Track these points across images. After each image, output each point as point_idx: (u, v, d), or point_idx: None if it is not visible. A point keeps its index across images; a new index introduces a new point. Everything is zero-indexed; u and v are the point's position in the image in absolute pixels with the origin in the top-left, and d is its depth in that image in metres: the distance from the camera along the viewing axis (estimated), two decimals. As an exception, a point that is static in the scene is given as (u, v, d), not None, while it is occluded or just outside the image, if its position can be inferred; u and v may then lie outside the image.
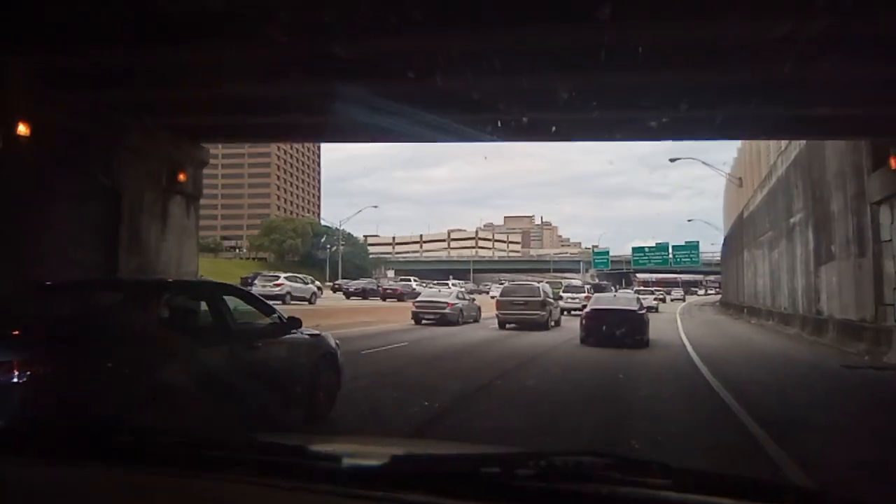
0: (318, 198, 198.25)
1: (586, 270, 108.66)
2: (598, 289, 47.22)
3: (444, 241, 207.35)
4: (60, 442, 2.08)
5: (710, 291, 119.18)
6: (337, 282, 71.61)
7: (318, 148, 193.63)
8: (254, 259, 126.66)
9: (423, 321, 30.07)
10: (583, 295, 41.68)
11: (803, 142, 26.00)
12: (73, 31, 10.87)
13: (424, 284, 62.05)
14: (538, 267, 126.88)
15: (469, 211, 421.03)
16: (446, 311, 30.41)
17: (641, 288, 78.22)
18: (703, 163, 73.52)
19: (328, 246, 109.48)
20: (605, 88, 13.22)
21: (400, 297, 54.08)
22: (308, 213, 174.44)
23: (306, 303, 40.78)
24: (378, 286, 61.56)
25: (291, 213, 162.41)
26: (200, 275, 56.36)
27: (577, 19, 10.05)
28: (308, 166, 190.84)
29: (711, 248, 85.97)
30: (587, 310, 22.97)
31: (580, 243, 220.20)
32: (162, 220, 16.99)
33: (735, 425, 9.06)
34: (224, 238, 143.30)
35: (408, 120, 14.23)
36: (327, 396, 8.78)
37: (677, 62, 11.46)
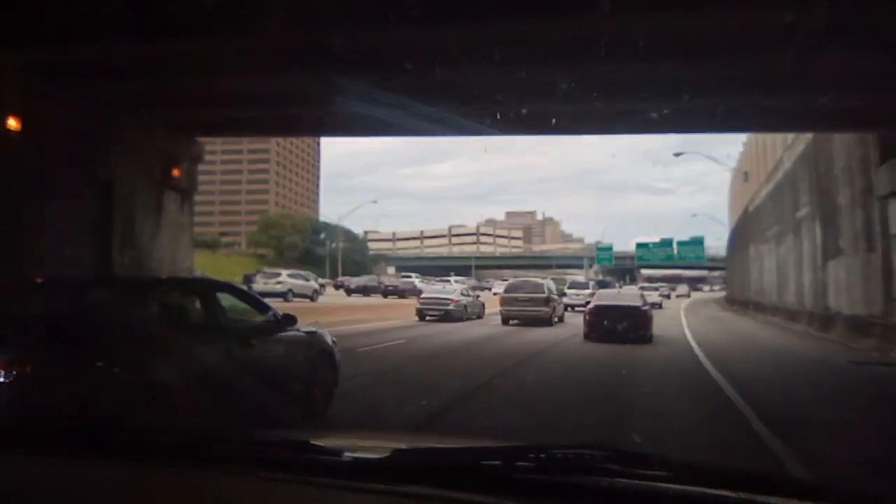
0: (317, 194, 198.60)
1: (590, 266, 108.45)
2: (602, 285, 47.13)
3: (445, 237, 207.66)
4: (59, 438, 2.07)
5: (714, 287, 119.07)
6: (339, 279, 71.62)
7: (317, 144, 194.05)
8: (252, 255, 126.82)
9: (428, 318, 30.19)
10: (587, 291, 41.63)
11: (810, 136, 25.86)
12: (66, 24, 10.76)
13: (426, 281, 62.39)
14: (540, 263, 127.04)
15: (471, 207, 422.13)
16: (450, 307, 30.56)
17: (646, 284, 78.17)
18: (708, 157, 73.43)
19: (328, 242, 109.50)
20: (606, 80, 13.10)
21: (401, 293, 54.21)
22: (307, 209, 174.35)
23: (308, 300, 40.73)
24: (379, 283, 61.72)
25: (290, 208, 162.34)
26: (199, 271, 56.80)
27: (576, 10, 9.93)
28: (307, 162, 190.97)
29: (716, 243, 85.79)
30: (591, 306, 22.98)
31: (583, 239, 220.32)
32: (156, 216, 16.84)
33: (739, 422, 8.93)
34: (222, 234, 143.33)
35: (406, 113, 14.16)
36: (324, 394, 8.67)
37: (677, 53, 11.35)
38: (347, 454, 1.94)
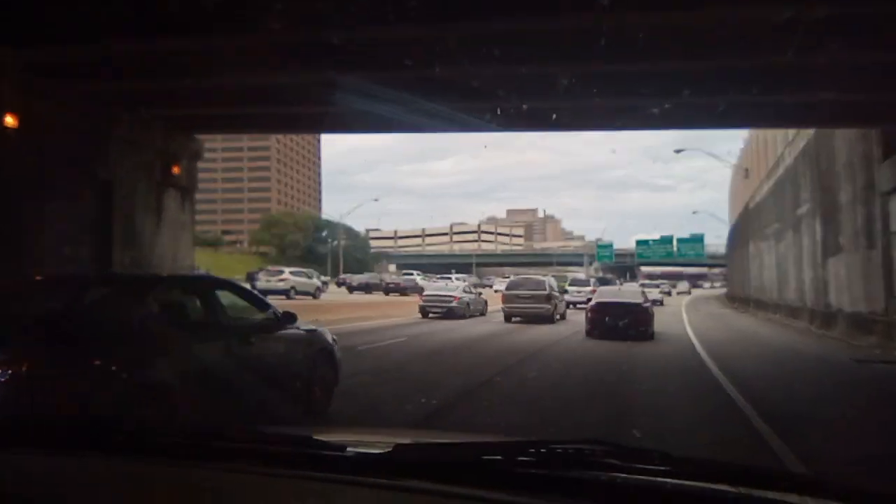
0: (319, 192, 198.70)
1: (590, 264, 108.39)
2: (603, 282, 47.28)
3: (446, 234, 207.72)
4: (59, 437, 2.07)
5: (715, 284, 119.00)
6: (341, 276, 71.77)
7: (318, 141, 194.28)
8: (255, 253, 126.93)
9: (430, 315, 30.36)
10: (589, 288, 41.69)
11: (811, 132, 25.77)
12: (65, 23, 10.73)
13: (427, 279, 62.60)
14: (541, 260, 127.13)
15: (472, 204, 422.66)
16: (453, 304, 30.73)
17: (646, 281, 78.17)
18: (708, 153, 73.43)
19: (329, 240, 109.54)
20: (605, 76, 13.06)
21: (403, 291, 54.62)
22: (308, 206, 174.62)
23: (310, 297, 40.97)
24: (381, 281, 61.83)
25: (292, 206, 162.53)
26: (207, 270, 57.15)
27: (575, 7, 9.89)
28: (308, 160, 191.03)
29: (716, 240, 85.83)
30: (592, 303, 23.13)
31: (584, 236, 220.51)
32: (156, 214, 16.78)
33: (740, 420, 8.91)
34: (224, 232, 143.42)
35: (406, 109, 14.14)
36: (324, 392, 8.65)
37: (677, 50, 11.34)
38: (350, 449, 1.93)
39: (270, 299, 9.68)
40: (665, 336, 22.25)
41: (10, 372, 5.11)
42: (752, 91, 13.26)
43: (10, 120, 12.08)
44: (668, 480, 1.65)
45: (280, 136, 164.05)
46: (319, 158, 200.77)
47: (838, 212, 22.40)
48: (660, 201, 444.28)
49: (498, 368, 13.88)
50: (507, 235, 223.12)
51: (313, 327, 9.34)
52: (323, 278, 55.59)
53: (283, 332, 8.22)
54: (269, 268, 49.90)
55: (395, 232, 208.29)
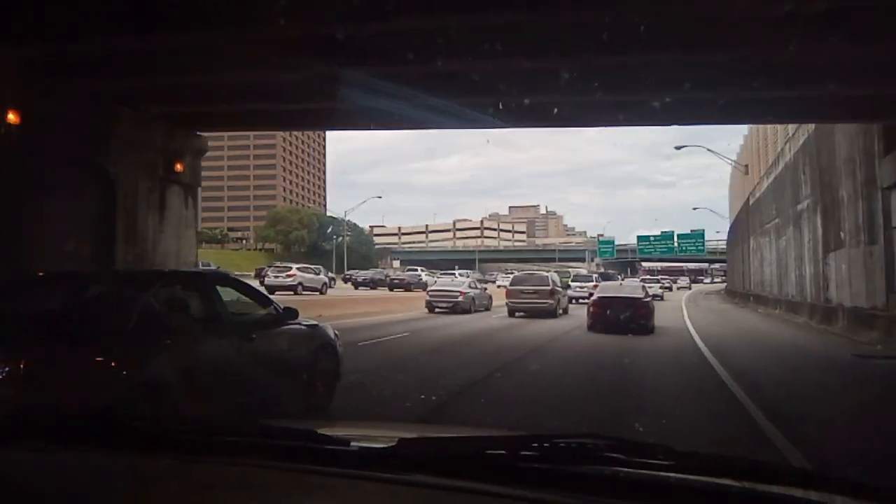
0: (324, 189, 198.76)
1: (592, 259, 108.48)
2: (605, 278, 47.46)
3: (449, 231, 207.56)
4: (64, 433, 2.07)
5: (715, 280, 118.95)
6: (347, 272, 72.04)
7: (323, 139, 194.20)
8: (260, 250, 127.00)
9: (437, 310, 30.73)
10: (591, 284, 42.09)
11: (812, 128, 25.73)
12: (66, 20, 10.66)
13: (432, 274, 62.95)
14: (543, 256, 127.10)
15: (475, 201, 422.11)
16: (459, 299, 31.15)
17: (648, 277, 78.15)
18: (709, 150, 73.37)
19: (334, 237, 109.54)
20: (608, 69, 13.00)
21: (407, 286, 54.97)
22: (314, 204, 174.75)
23: (317, 293, 41.41)
24: (386, 276, 62.05)
25: (297, 203, 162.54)
26: (217, 266, 57.14)
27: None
28: (313, 157, 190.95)
29: (717, 236, 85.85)
30: (594, 298, 23.43)
31: (585, 232, 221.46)
32: (159, 211, 16.76)
33: (743, 416, 8.89)
34: (230, 229, 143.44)
35: (410, 104, 14.10)
36: (326, 388, 8.63)
37: (678, 43, 11.27)
38: (354, 444, 1.94)
39: (279, 295, 9.70)
40: (666, 331, 22.32)
41: (7, 369, 5.11)
42: (753, 85, 13.22)
43: (10, 117, 12.07)
44: (672, 475, 1.66)
45: (286, 135, 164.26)
46: (325, 156, 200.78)
47: (839, 207, 22.36)
48: (661, 198, 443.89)
49: (502, 362, 13.95)
50: (509, 232, 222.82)
51: (315, 322, 9.33)
52: (330, 275, 56.21)
53: (284, 327, 8.18)
54: (277, 264, 50.64)
55: (399, 228, 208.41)
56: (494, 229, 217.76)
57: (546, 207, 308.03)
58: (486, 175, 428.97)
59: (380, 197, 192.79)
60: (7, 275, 10.76)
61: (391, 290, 54.07)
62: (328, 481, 1.74)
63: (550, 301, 29.27)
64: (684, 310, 35.92)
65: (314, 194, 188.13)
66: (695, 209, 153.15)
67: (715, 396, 10.46)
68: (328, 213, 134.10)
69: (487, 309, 33.25)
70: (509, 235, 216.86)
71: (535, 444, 1.82)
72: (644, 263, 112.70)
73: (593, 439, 1.81)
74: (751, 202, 44.43)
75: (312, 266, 50.33)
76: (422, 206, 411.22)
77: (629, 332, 20.10)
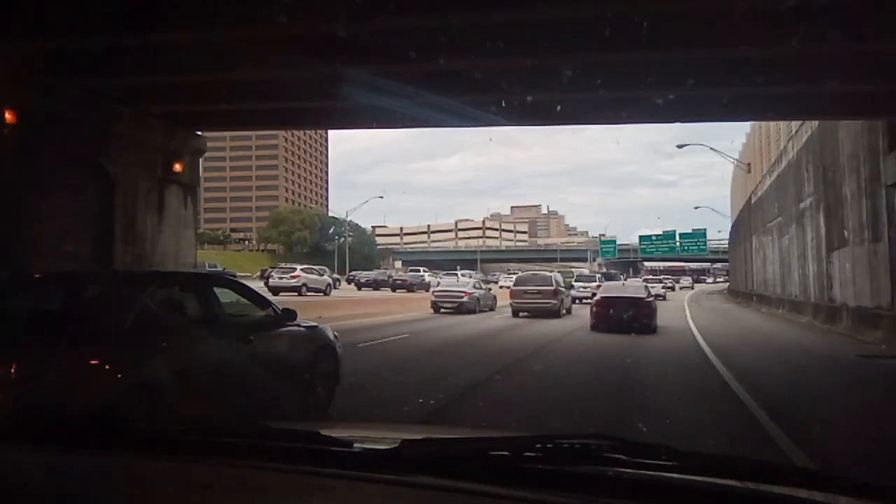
0: (326, 189, 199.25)
1: (593, 259, 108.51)
2: (608, 278, 47.74)
3: (451, 231, 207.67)
4: (66, 432, 2.07)
5: (718, 279, 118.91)
6: (351, 273, 72.44)
7: (326, 139, 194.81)
8: (262, 251, 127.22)
9: (442, 310, 31.00)
10: (594, 284, 42.49)
11: (814, 125, 25.63)
12: (62, 15, 10.58)
13: (434, 275, 63.42)
14: (545, 256, 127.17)
15: (477, 201, 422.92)
16: (464, 300, 31.47)
17: (650, 276, 78.12)
18: (711, 148, 73.37)
19: (336, 237, 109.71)
20: (610, 66, 12.96)
21: (410, 287, 55.33)
22: (316, 204, 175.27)
23: (322, 294, 41.76)
24: (388, 277, 62.27)
25: (300, 204, 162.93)
26: (223, 267, 57.59)
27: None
28: (315, 157, 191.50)
29: (719, 235, 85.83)
30: (597, 298, 23.64)
31: (587, 232, 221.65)
32: (158, 211, 16.67)
33: (747, 417, 8.81)
34: (233, 230, 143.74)
35: (412, 102, 14.09)
36: (326, 391, 8.57)
37: (681, 38, 11.19)
38: (357, 445, 1.94)
39: (282, 296, 9.64)
40: (669, 331, 22.35)
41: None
42: (757, 82, 13.16)
43: (8, 117, 12.00)
44: (676, 475, 1.67)
45: (288, 135, 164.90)
46: (327, 156, 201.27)
47: (842, 205, 22.23)
48: (662, 197, 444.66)
49: (505, 363, 13.97)
50: (511, 232, 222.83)
51: (314, 324, 9.30)
52: (335, 276, 57.14)
53: (283, 329, 8.12)
54: (282, 265, 51.09)
55: (401, 229, 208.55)
56: (496, 229, 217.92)
57: (548, 207, 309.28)
58: (488, 175, 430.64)
59: (381, 197, 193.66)
60: (5, 275, 10.70)
61: (393, 290, 54.34)
62: (329, 483, 1.74)
63: (554, 301, 29.49)
64: (687, 310, 35.94)
65: (316, 195, 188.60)
66: (696, 208, 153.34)
67: (718, 397, 10.41)
68: (330, 214, 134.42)
69: (492, 309, 33.47)
70: (511, 235, 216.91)
71: (538, 445, 1.82)
72: (646, 263, 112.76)
73: (596, 440, 1.82)
74: (753, 201, 44.31)
75: (317, 267, 50.90)
76: (423, 206, 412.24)
77: (632, 331, 20.25)
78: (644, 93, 14.26)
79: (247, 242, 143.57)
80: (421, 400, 9.37)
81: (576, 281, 48.13)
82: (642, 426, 7.96)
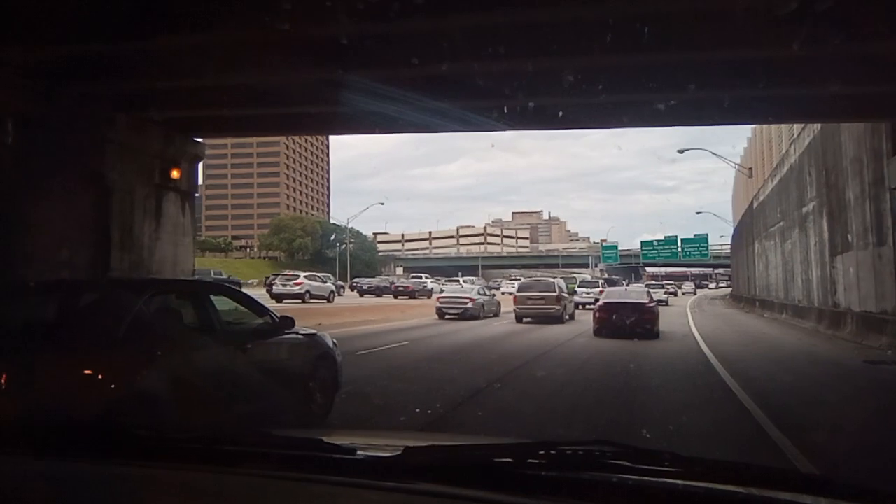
0: (328, 196, 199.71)
1: (595, 265, 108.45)
2: (610, 283, 47.98)
3: (452, 237, 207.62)
4: (65, 440, 2.08)
5: (720, 285, 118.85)
6: (354, 280, 72.73)
7: (327, 147, 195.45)
8: (264, 258, 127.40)
9: (447, 316, 31.25)
10: (597, 290, 42.76)
11: (817, 128, 25.51)
12: (55, 20, 10.47)
13: (437, 281, 63.80)
14: (547, 262, 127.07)
15: (478, 207, 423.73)
16: (469, 306, 31.71)
17: (652, 282, 78.05)
18: (712, 153, 73.38)
19: (338, 244, 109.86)
20: (612, 70, 12.87)
21: (412, 294, 55.83)
22: (318, 211, 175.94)
23: (325, 301, 42.11)
24: (391, 284, 62.52)
25: (301, 211, 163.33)
26: (228, 275, 58.08)
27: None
28: (317, 164, 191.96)
29: (720, 240, 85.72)
30: (600, 303, 23.96)
31: (589, 238, 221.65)
32: (155, 218, 16.54)
33: (752, 425, 8.69)
34: (234, 237, 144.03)
35: (413, 108, 13.98)
36: (324, 399, 8.52)
37: (682, 41, 11.08)
38: (360, 452, 1.94)
39: (286, 304, 9.56)
40: (671, 336, 22.43)
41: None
42: (759, 85, 13.08)
43: (3, 123, 11.90)
44: (679, 482, 1.66)
45: (289, 142, 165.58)
46: (328, 163, 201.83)
47: (846, 208, 22.06)
48: (664, 202, 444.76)
49: (508, 369, 14.02)
50: (512, 238, 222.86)
51: (313, 331, 9.28)
52: (339, 283, 58.37)
53: (280, 337, 8.06)
54: (286, 273, 51.39)
55: (403, 235, 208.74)
56: (498, 235, 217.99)
57: (549, 213, 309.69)
58: (489, 181, 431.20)
59: (382, 203, 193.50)
60: (1, 281, 10.63)
61: (395, 297, 54.65)
62: (333, 490, 1.75)
63: (557, 307, 29.69)
64: (689, 315, 35.99)
65: (317, 201, 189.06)
66: (698, 213, 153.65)
67: (722, 403, 10.34)
68: (332, 221, 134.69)
69: (496, 315, 33.73)
70: (513, 241, 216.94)
71: (542, 452, 1.82)
72: (648, 269, 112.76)
73: (600, 446, 1.82)
74: (755, 205, 44.24)
75: (320, 274, 51.62)
76: (425, 212, 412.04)
77: (635, 336, 20.41)
78: (646, 96, 14.17)
79: (248, 250, 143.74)
80: (418, 409, 9.23)
81: (579, 287, 48.44)
82: (646, 433, 7.92)
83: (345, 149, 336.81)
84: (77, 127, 13.79)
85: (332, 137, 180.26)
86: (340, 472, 1.79)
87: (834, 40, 10.58)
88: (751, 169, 48.58)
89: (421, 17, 10.16)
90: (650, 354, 16.96)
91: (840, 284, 23.13)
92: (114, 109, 14.98)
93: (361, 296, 57.57)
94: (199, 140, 18.79)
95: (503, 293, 50.85)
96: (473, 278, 76.00)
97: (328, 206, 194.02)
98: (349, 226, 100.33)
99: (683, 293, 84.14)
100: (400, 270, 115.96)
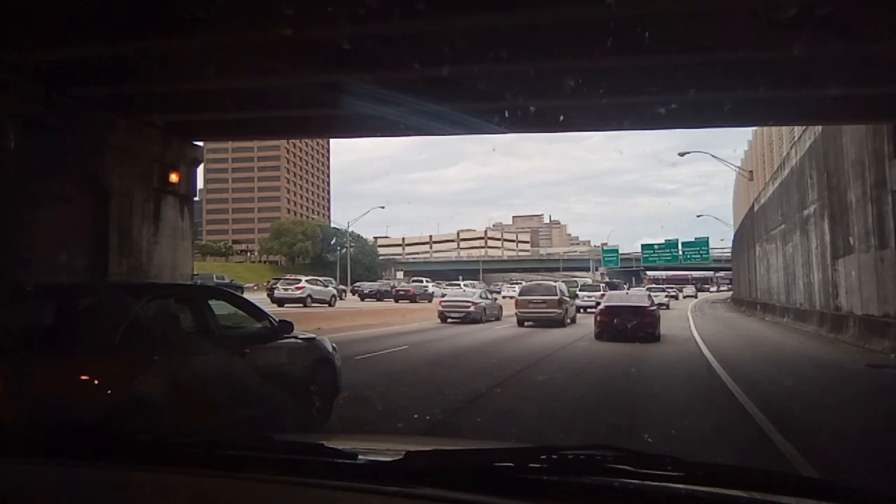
0: (328, 199, 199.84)
1: (596, 269, 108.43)
2: (612, 287, 48.26)
3: (453, 241, 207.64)
4: (68, 443, 2.07)
5: (721, 288, 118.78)
6: (355, 284, 72.92)
7: (327, 150, 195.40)
8: (264, 262, 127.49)
9: (449, 319, 31.44)
10: (598, 293, 43.02)
11: (818, 131, 25.46)
12: (50, 20, 10.41)
13: (438, 285, 64.08)
14: (548, 266, 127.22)
15: (478, 211, 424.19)
16: (471, 309, 31.88)
17: (653, 285, 78.00)
18: (713, 156, 73.37)
19: (338, 248, 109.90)
20: (613, 73, 12.80)
21: (412, 298, 55.76)
22: (318, 215, 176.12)
23: (326, 305, 42.33)
24: (392, 288, 62.61)
25: (301, 215, 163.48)
26: (231, 279, 58.40)
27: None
28: (317, 168, 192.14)
29: (721, 243, 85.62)
30: (601, 307, 24.02)
31: (589, 241, 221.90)
32: (154, 222, 16.47)
33: (754, 430, 8.62)
34: (235, 242, 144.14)
35: (414, 111, 13.96)
36: (323, 404, 8.47)
37: (684, 44, 11.03)
38: (361, 457, 1.95)
39: (287, 308, 9.53)
40: (673, 340, 22.45)
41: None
42: (760, 88, 13.05)
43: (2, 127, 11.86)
44: (682, 486, 1.65)
45: (290, 146, 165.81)
46: (329, 167, 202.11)
47: (847, 211, 21.98)
48: (665, 206, 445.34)
49: (509, 372, 13.98)
50: (513, 241, 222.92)
51: (312, 336, 9.26)
52: (341, 287, 58.87)
53: (279, 341, 8.02)
54: (287, 277, 51.61)
55: (403, 239, 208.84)
56: (498, 239, 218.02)
57: (549, 217, 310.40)
58: (490, 185, 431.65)
59: (383, 207, 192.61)
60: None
61: (396, 301, 54.73)
62: (334, 495, 1.74)
63: (559, 310, 29.81)
64: (690, 319, 36.01)
65: (318, 205, 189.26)
66: (699, 216, 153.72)
67: (724, 407, 10.29)
68: (332, 224, 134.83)
69: (498, 319, 33.82)
70: (513, 245, 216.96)
71: (544, 457, 1.81)
72: (649, 272, 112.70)
73: (601, 451, 1.81)
74: (756, 208, 44.18)
75: (322, 278, 51.66)
76: (425, 216, 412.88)
77: (636, 340, 20.57)
78: (647, 99, 14.10)
79: (249, 254, 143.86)
80: (416, 415, 9.14)
81: (581, 290, 48.78)
82: (647, 437, 7.90)
83: (345, 153, 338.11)
84: (76, 130, 13.75)
85: (332, 141, 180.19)
86: (341, 476, 1.78)
87: (835, 43, 10.54)
88: (751, 172, 48.54)
89: (421, 19, 10.12)
90: (651, 358, 16.97)
91: (842, 288, 23.04)
92: (113, 112, 14.93)
93: (362, 300, 57.81)
94: (199, 143, 18.74)
95: (504, 297, 51.00)
96: (474, 282, 76.11)
97: (329, 209, 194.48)
98: (350, 230, 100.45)
99: (684, 297, 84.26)
100: (400, 274, 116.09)
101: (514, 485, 1.70)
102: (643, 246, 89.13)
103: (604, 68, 12.51)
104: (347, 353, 13.69)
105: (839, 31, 10.19)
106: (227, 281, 55.02)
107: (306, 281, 45.04)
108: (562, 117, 15.38)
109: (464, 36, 10.83)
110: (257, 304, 9.00)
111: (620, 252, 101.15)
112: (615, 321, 21.91)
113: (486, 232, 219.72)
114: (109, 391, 5.60)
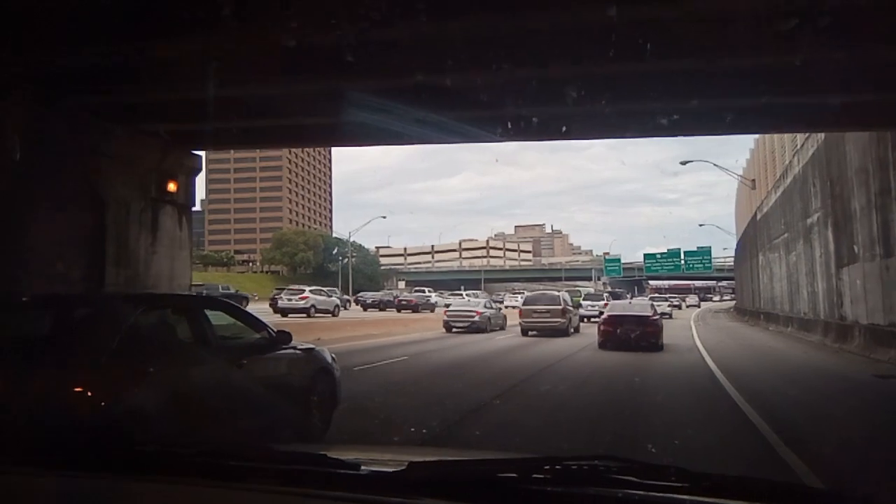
0: (330, 209, 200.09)
1: (598, 278, 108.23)
2: (615, 296, 48.34)
3: (455, 251, 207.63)
4: (68, 453, 2.07)
5: (724, 297, 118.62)
6: (358, 294, 73.06)
7: (329, 160, 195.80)
8: (266, 272, 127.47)
9: (454, 329, 31.57)
10: (602, 303, 43.42)
11: (821, 138, 25.38)
12: (44, 26, 10.35)
13: (441, 295, 64.29)
14: (550, 275, 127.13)
15: (480, 221, 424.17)
16: (476, 319, 32.11)
17: (655, 295, 77.91)
18: (715, 164, 73.26)
19: (340, 258, 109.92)
20: (615, 80, 12.75)
21: (415, 307, 56.02)
22: (320, 224, 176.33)
23: (330, 315, 42.48)
24: (394, 298, 62.81)
25: (303, 225, 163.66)
26: (236, 289, 58.73)
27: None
28: (319, 178, 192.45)
29: (724, 252, 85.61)
30: (604, 316, 24.34)
31: (591, 251, 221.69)
32: (152, 232, 16.39)
33: (758, 440, 8.53)
34: (237, 252, 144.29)
35: (416, 121, 13.96)
36: (322, 415, 8.37)
37: (685, 48, 10.97)
38: (364, 468, 1.94)
39: (291, 318, 9.46)
40: (676, 349, 22.45)
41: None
42: (762, 95, 13.00)
43: (-2, 135, 11.81)
44: (686, 497, 1.64)
45: (291, 156, 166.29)
46: (330, 177, 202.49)
47: (851, 219, 21.88)
48: (667, 215, 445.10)
49: (513, 382, 14.00)
50: (515, 251, 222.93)
51: (311, 346, 9.19)
52: (345, 297, 59.28)
53: (277, 352, 7.94)
54: (291, 287, 51.72)
55: (405, 249, 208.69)
56: (500, 248, 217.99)
57: (551, 226, 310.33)
58: (492, 195, 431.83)
59: (384, 217, 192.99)
60: None
61: (399, 311, 54.80)
62: None
63: (562, 320, 29.95)
64: (693, 328, 36.02)
65: (320, 215, 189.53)
66: (701, 225, 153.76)
67: (728, 418, 10.21)
68: (334, 234, 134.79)
69: (502, 328, 33.99)
70: (515, 255, 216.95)
71: (547, 467, 1.81)
72: (651, 282, 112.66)
73: (605, 461, 1.81)
74: (758, 217, 44.09)
75: (325, 288, 51.81)
76: (427, 226, 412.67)
77: (639, 349, 20.61)
78: (649, 106, 14.08)
79: (251, 264, 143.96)
80: (413, 429, 9.01)
81: (584, 299, 49.34)
82: (651, 447, 7.84)
83: (347, 162, 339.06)
84: (73, 139, 13.69)
85: (334, 151, 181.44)
86: (343, 487, 1.77)
87: (838, 49, 10.49)
88: (754, 180, 48.35)
89: (422, 23, 10.07)
90: (654, 368, 16.95)
91: (847, 297, 22.93)
92: (110, 121, 14.87)
93: (365, 310, 57.88)
94: (197, 153, 18.70)
95: (506, 306, 51.18)
96: (477, 292, 76.21)
97: (331, 219, 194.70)
98: (351, 239, 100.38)
99: (687, 306, 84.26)
100: (402, 284, 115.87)
101: (517, 496, 1.70)
102: (646, 255, 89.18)
103: (606, 75, 12.48)
104: (347, 363, 13.60)
105: (842, 37, 10.13)
106: (232, 291, 55.10)
107: (310, 291, 45.22)
108: (564, 128, 15.38)
109: (465, 42, 10.77)
110: (258, 314, 8.93)
111: (623, 261, 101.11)
112: (618, 331, 21.98)
113: (488, 242, 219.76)
114: (104, 403, 5.51)
